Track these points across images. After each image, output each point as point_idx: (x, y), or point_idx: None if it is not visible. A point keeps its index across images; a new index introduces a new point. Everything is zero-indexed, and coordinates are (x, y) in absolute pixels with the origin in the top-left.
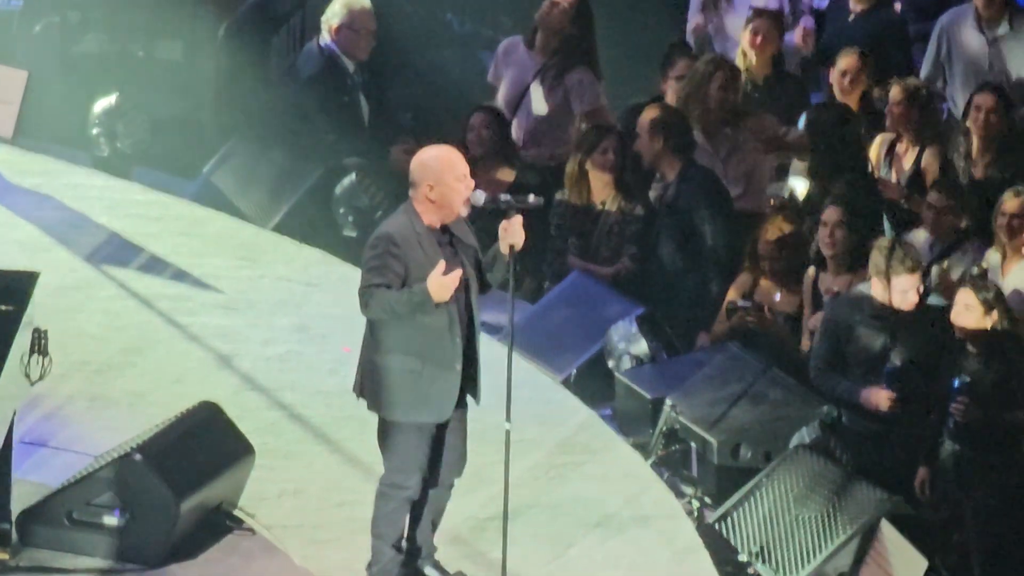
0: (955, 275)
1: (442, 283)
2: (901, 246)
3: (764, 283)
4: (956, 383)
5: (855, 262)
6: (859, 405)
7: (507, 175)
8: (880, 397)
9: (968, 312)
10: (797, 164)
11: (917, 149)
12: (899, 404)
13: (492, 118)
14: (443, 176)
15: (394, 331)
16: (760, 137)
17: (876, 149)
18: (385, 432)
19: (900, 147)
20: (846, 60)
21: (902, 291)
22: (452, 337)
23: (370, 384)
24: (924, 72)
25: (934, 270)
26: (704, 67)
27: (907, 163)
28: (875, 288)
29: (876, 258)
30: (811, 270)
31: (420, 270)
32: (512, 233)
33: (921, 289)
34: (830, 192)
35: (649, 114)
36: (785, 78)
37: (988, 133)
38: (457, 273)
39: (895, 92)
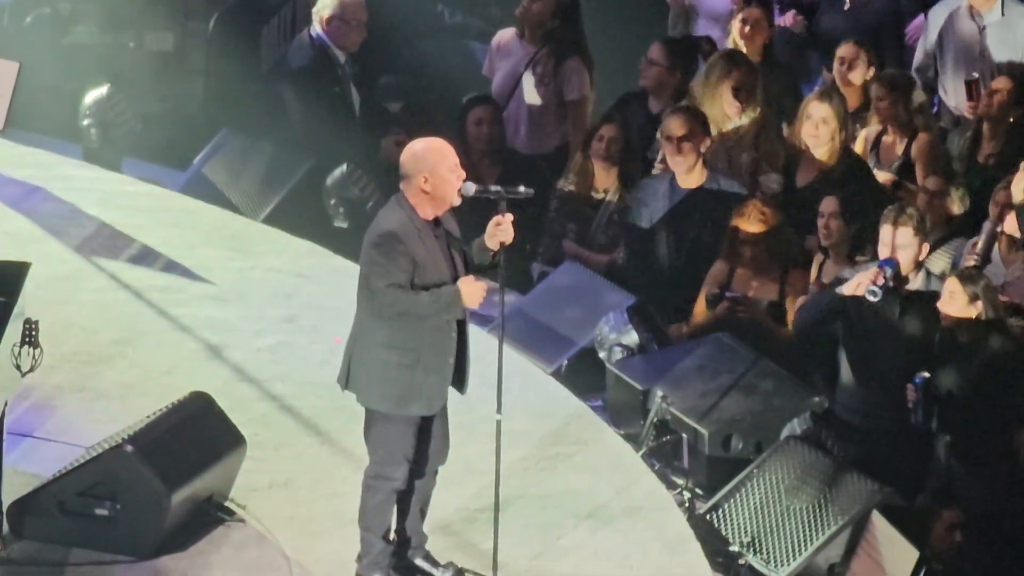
0: (942, 263)
1: (474, 290)
2: (914, 207)
3: (741, 272)
4: (917, 379)
5: (854, 250)
6: (846, 305)
7: (501, 168)
8: (866, 275)
9: (952, 300)
10: None
11: (905, 140)
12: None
13: (496, 113)
14: (437, 168)
15: (392, 325)
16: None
17: (861, 144)
18: (373, 424)
19: (886, 139)
20: (845, 48)
21: (904, 244)
22: (449, 331)
23: (362, 377)
24: (916, 62)
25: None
26: (721, 64)
27: (895, 154)
28: (882, 237)
29: (888, 209)
30: (819, 256)
31: (424, 265)
32: (504, 230)
33: (923, 256)
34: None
35: (680, 127)
36: (775, 67)
37: (998, 116)
38: (484, 284)
39: (876, 87)
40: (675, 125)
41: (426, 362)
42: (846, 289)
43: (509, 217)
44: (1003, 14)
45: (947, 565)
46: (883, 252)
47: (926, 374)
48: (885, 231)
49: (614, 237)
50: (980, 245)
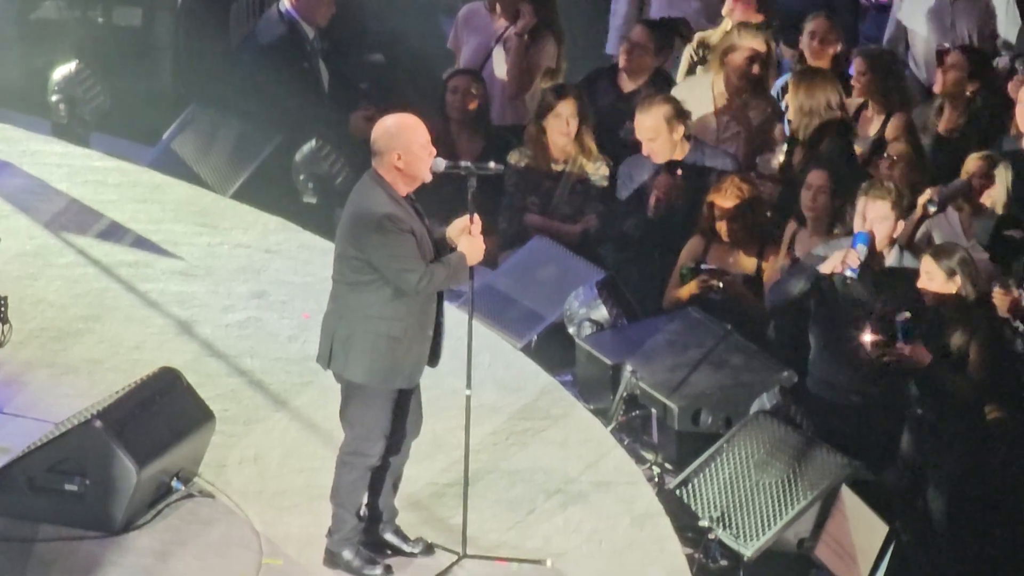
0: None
1: (475, 246)
2: (892, 182)
3: (717, 247)
4: (900, 321)
5: (834, 225)
6: (819, 280)
7: (479, 141)
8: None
9: (930, 279)
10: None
11: (883, 116)
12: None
13: (478, 83)
14: (411, 145)
15: (379, 298)
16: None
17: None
18: (352, 400)
19: (866, 113)
20: (815, 22)
21: (880, 218)
22: (431, 303)
23: (345, 351)
24: (887, 35)
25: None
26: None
27: (872, 129)
28: (858, 209)
29: (866, 182)
30: (792, 226)
31: (420, 240)
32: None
33: (897, 232)
34: (812, 156)
35: (663, 110)
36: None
37: (955, 91)
38: (480, 238)
39: (858, 62)
40: (646, 125)
41: (411, 335)
42: (825, 268)
43: (478, 225)
44: None
45: (916, 539)
46: (858, 224)
47: (907, 314)
48: (861, 203)
49: (579, 207)
50: (941, 194)
